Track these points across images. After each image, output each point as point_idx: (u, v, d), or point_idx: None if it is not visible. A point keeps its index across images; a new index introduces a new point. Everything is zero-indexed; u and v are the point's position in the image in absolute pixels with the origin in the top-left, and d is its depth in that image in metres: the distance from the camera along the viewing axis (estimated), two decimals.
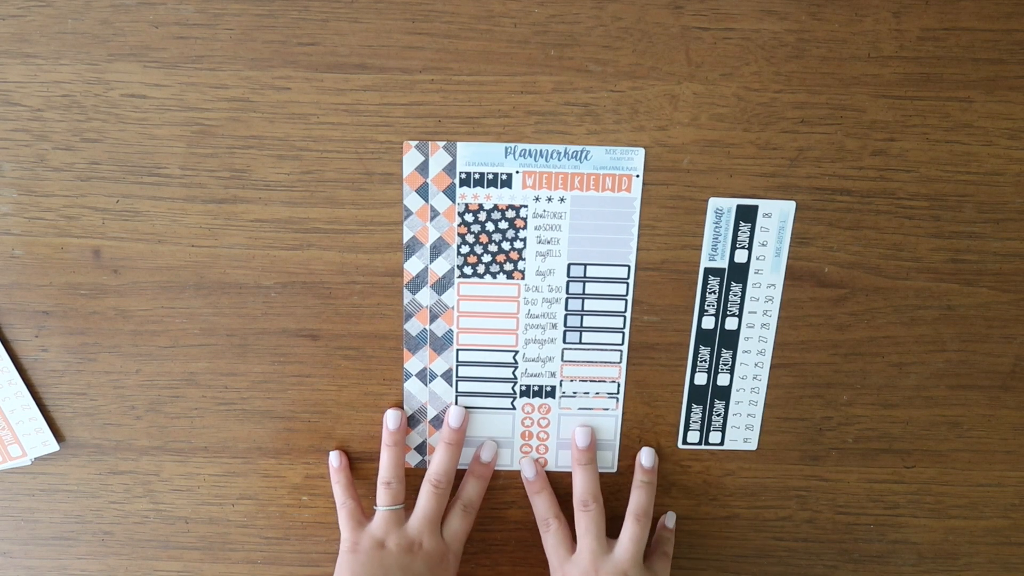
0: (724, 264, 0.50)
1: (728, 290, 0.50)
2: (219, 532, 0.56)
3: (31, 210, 0.49)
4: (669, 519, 0.54)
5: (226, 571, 0.57)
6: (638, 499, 0.52)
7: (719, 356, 0.52)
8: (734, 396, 0.52)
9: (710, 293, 0.50)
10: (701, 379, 0.52)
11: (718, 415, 0.53)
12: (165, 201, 0.48)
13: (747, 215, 0.49)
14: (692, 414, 0.53)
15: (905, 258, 0.50)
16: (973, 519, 0.56)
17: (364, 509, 0.53)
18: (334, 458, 0.53)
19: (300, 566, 0.56)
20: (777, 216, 0.49)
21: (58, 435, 0.53)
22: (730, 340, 0.51)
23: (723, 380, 0.52)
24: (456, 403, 0.53)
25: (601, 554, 0.49)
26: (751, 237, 0.49)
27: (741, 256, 0.49)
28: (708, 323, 0.51)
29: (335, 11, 0.45)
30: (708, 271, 0.50)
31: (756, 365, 0.52)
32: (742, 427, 0.53)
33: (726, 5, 0.45)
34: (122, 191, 0.48)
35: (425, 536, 0.49)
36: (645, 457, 0.52)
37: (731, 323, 0.51)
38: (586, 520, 0.50)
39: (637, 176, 0.48)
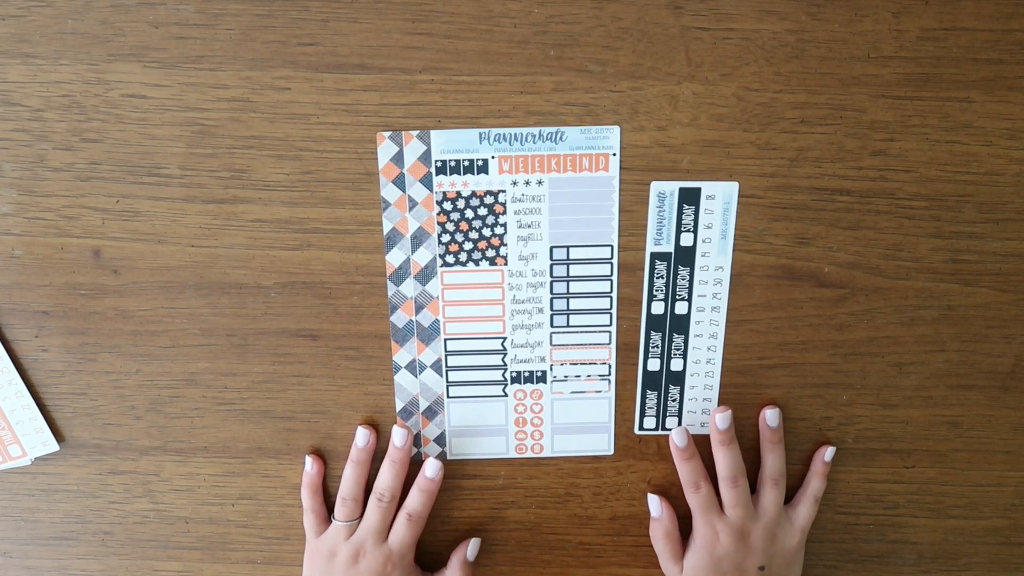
0: (670, 248, 0.49)
1: (676, 274, 0.50)
2: (219, 532, 0.56)
3: (31, 210, 0.49)
4: (828, 453, 0.54)
5: (226, 571, 0.57)
6: (773, 463, 0.52)
7: (671, 341, 0.52)
8: (689, 381, 0.52)
9: (657, 278, 0.50)
10: (654, 365, 0.52)
11: (674, 400, 0.53)
12: (165, 201, 0.48)
13: (690, 198, 0.48)
14: (647, 400, 0.53)
15: (905, 258, 0.50)
16: (973, 519, 0.56)
17: (328, 511, 0.54)
18: (309, 463, 0.53)
19: (300, 566, 0.56)
20: (721, 198, 0.48)
21: (58, 435, 0.53)
22: (681, 325, 0.51)
23: (676, 365, 0.52)
24: (448, 394, 0.52)
25: (750, 519, 0.52)
26: (695, 220, 0.49)
27: (687, 239, 0.49)
28: (657, 308, 0.51)
29: (335, 11, 0.45)
30: (654, 256, 0.50)
31: (709, 349, 0.52)
32: (699, 411, 0.53)
33: (726, 5, 0.45)
34: (122, 191, 0.48)
35: (368, 545, 0.52)
36: (771, 417, 0.52)
37: (681, 307, 0.51)
38: (736, 494, 0.52)
39: (614, 155, 0.48)
